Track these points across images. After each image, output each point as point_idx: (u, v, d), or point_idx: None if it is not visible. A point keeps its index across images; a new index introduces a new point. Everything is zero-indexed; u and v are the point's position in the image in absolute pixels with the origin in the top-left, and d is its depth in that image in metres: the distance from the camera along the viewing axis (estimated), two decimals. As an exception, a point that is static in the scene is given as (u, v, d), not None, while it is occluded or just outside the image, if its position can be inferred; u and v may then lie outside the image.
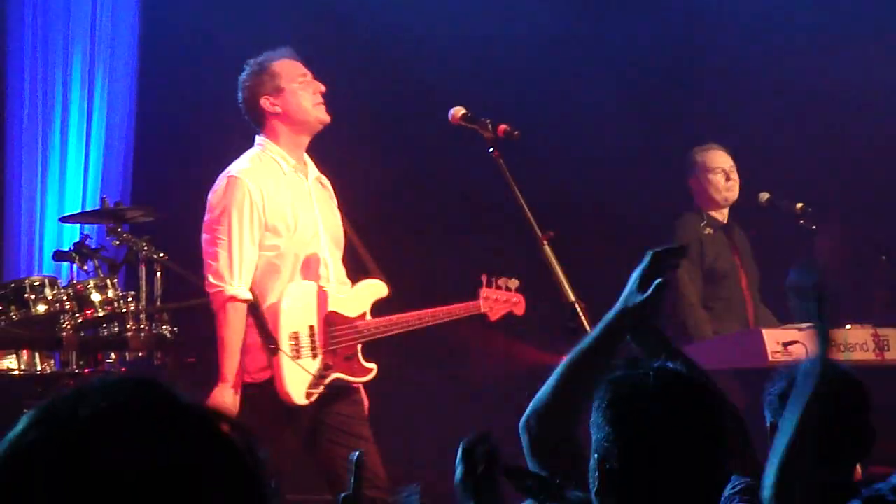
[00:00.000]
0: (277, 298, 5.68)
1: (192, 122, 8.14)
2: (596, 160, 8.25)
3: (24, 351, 6.73)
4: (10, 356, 6.72)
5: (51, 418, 1.39)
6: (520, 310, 6.32)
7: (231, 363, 5.59)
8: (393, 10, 8.34)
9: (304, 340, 5.66)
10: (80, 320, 6.70)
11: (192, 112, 8.11)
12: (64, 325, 6.64)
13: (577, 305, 5.21)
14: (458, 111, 5.76)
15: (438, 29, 8.35)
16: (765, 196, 7.64)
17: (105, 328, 6.84)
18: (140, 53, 8.49)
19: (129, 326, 6.62)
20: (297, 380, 5.59)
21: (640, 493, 2.57)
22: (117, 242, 6.89)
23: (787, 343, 7.19)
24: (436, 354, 8.07)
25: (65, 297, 6.71)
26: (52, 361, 6.83)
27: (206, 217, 5.79)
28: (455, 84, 7.74)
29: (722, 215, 7.67)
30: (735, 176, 7.61)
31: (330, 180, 6.07)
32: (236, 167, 5.78)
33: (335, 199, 6.04)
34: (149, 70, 8.39)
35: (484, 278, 6.20)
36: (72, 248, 7.02)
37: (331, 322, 5.75)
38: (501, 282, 6.23)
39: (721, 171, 7.60)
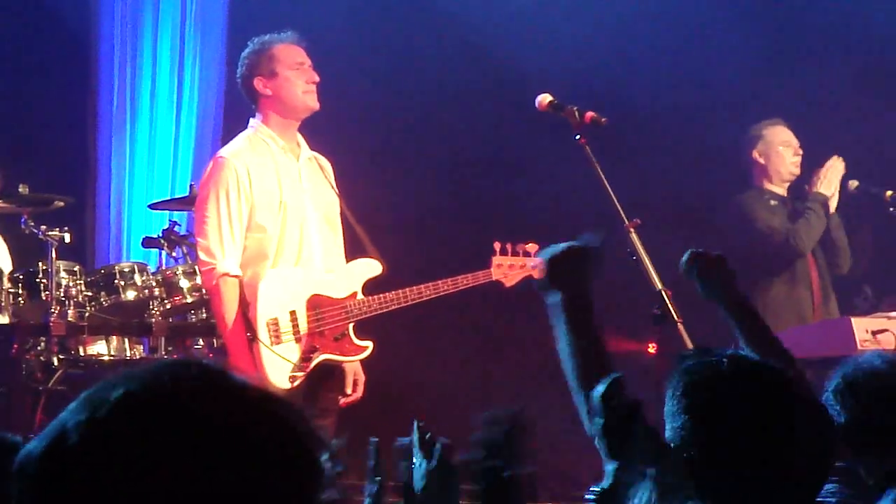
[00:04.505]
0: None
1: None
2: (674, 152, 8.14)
3: (114, 337, 6.83)
4: (99, 342, 6.83)
5: (86, 404, 1.37)
6: (539, 273, 6.13)
7: (234, 338, 5.62)
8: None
9: (285, 325, 5.67)
10: (168, 306, 6.78)
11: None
12: (153, 312, 6.73)
13: (664, 293, 5.20)
14: (545, 98, 5.73)
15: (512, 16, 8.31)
16: (854, 184, 7.51)
17: (193, 314, 6.92)
18: (229, 39, 8.53)
19: (217, 313, 6.69)
20: (278, 366, 5.61)
21: (720, 481, 2.55)
22: (205, 229, 6.95)
23: (875, 332, 7.12)
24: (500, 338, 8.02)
25: (154, 284, 6.80)
26: (141, 347, 6.92)
27: (197, 198, 5.86)
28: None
29: (782, 190, 7.53)
30: (800, 152, 7.50)
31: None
32: (226, 149, 5.84)
33: (332, 178, 6.01)
34: (238, 57, 8.40)
35: (497, 246, 6.06)
36: (160, 234, 7.11)
37: (315, 305, 5.74)
38: (519, 247, 6.09)
39: (790, 146, 7.49)
